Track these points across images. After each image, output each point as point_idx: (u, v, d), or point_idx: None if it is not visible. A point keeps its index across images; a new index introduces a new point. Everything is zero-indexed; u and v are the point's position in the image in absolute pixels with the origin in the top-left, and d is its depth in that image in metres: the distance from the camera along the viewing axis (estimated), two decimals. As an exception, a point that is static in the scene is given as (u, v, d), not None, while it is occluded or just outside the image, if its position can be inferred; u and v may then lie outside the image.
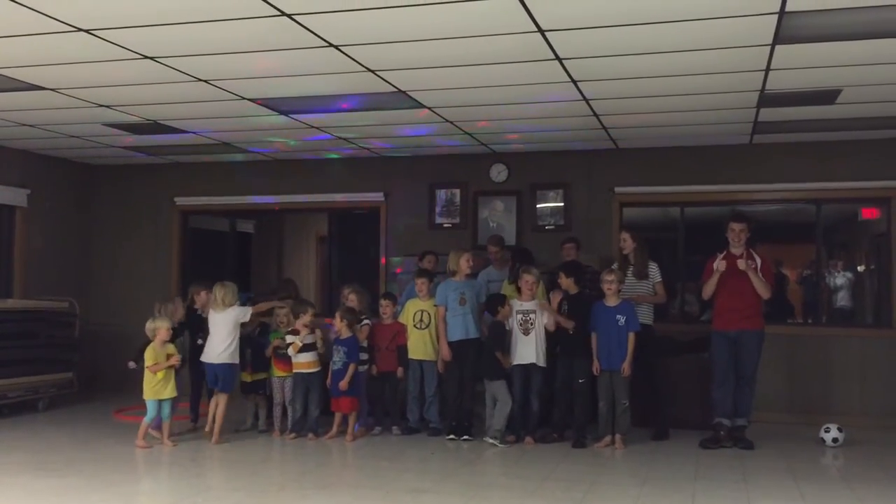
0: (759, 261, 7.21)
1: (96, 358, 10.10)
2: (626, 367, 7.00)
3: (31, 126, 8.28)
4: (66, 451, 6.85)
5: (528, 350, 7.19)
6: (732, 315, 7.15)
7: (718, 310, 7.29)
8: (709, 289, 7.30)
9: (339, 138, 8.72)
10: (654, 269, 7.58)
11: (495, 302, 7.35)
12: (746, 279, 7.11)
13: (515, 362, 7.22)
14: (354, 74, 6.19)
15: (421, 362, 7.66)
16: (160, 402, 6.99)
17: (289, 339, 7.36)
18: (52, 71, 6.22)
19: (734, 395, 7.18)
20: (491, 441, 7.10)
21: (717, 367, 7.25)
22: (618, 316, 7.08)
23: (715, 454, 6.85)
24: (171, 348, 7.08)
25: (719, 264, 7.17)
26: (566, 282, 7.30)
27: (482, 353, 7.34)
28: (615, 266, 7.72)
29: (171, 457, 6.62)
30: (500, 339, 7.26)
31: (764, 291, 7.15)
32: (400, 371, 7.64)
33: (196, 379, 7.72)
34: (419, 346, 7.65)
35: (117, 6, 4.81)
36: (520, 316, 7.26)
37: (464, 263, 7.55)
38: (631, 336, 7.04)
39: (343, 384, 7.24)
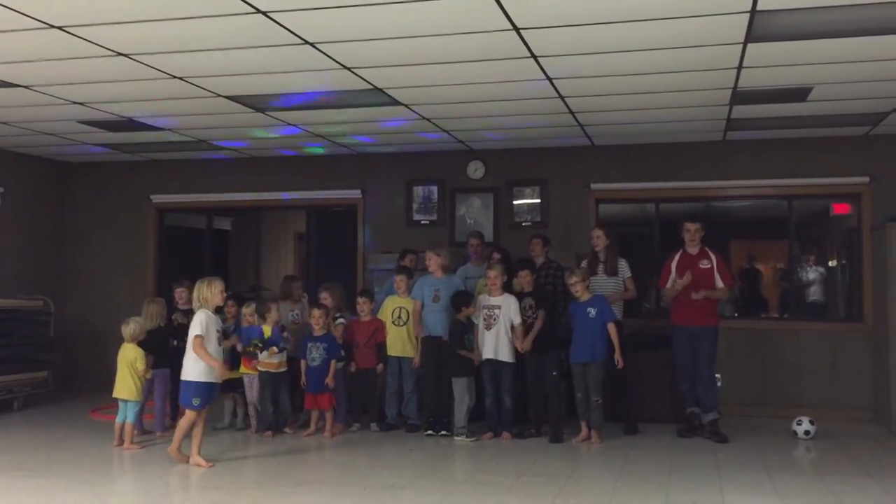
0: (714, 259, 7.37)
1: (71, 357, 10.03)
2: (618, 358, 7.07)
3: (4, 123, 8.20)
4: (41, 450, 6.80)
5: (489, 345, 7.23)
6: (689, 311, 7.34)
7: (676, 305, 7.48)
8: (670, 295, 7.52)
9: (316, 135, 8.71)
10: (623, 266, 7.68)
11: (459, 301, 7.38)
12: (704, 277, 7.31)
13: (483, 357, 7.27)
14: (330, 71, 6.20)
15: (399, 359, 7.68)
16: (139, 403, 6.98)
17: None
18: (25, 68, 6.17)
19: (695, 391, 7.31)
20: (458, 440, 7.16)
21: (679, 360, 7.44)
22: (588, 309, 7.15)
23: (689, 447, 6.92)
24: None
25: (673, 289, 7.40)
26: (528, 279, 7.35)
27: (448, 350, 7.40)
28: (583, 264, 7.79)
29: (149, 456, 6.59)
30: (457, 337, 7.33)
31: (722, 295, 7.50)
32: (380, 367, 7.65)
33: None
34: (397, 343, 7.67)
35: (91, 3, 4.78)
36: (485, 311, 7.31)
37: (429, 261, 7.59)
38: (610, 326, 7.11)
39: (329, 381, 7.26)
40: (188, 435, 6.20)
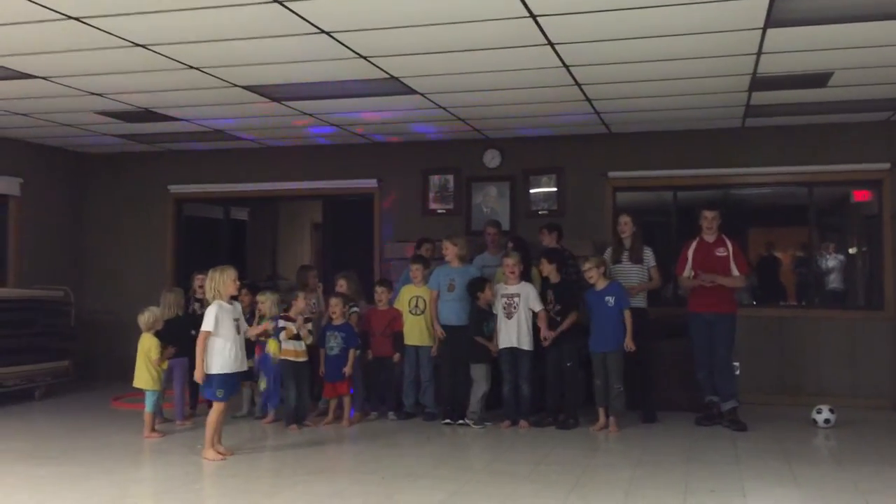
0: (730, 247, 7.34)
1: (92, 346, 10.12)
2: (628, 342, 7.06)
3: (23, 115, 8.25)
4: (63, 439, 6.87)
5: (511, 333, 7.24)
6: (706, 298, 7.31)
7: (693, 292, 7.46)
8: (686, 285, 7.51)
9: (332, 125, 8.71)
10: (648, 254, 7.64)
11: (475, 287, 7.38)
12: (720, 264, 7.28)
13: (501, 346, 7.28)
14: (346, 61, 6.19)
15: (417, 348, 7.69)
16: (157, 392, 7.02)
17: (281, 323, 7.34)
18: (43, 59, 6.20)
19: (713, 379, 7.28)
20: (466, 422, 7.22)
21: (696, 349, 7.41)
22: (606, 297, 7.14)
23: (708, 436, 6.90)
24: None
25: (693, 281, 7.39)
26: (548, 269, 7.34)
27: (465, 336, 7.41)
28: (608, 251, 7.77)
29: (169, 445, 6.65)
30: (476, 324, 7.33)
31: (738, 284, 7.43)
32: (397, 356, 7.67)
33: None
34: (414, 332, 7.68)
35: (107, -6, 4.80)
36: (503, 300, 7.30)
37: (445, 250, 7.60)
38: (626, 313, 7.10)
39: (347, 369, 7.27)
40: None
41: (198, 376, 6.04)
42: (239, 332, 6.20)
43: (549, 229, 8.02)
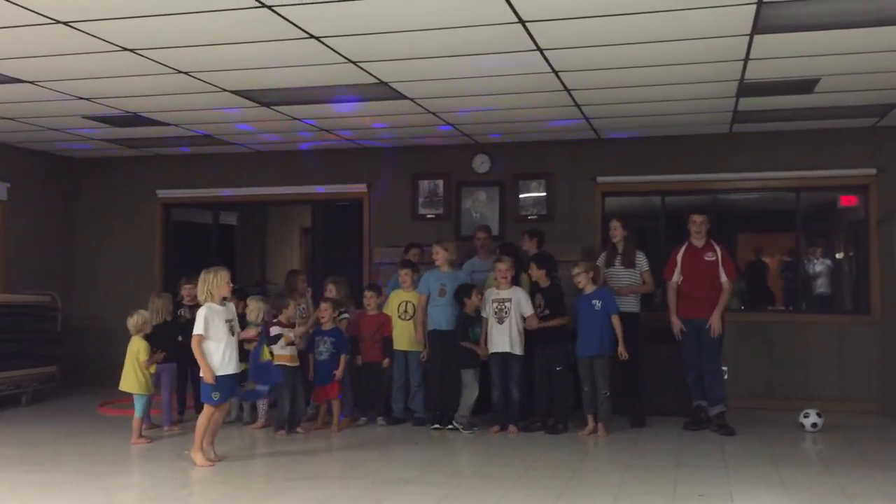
0: (719, 252, 7.37)
1: (79, 351, 10.07)
2: (621, 350, 7.08)
3: (10, 119, 8.21)
4: (50, 445, 6.83)
5: (502, 338, 7.23)
6: (694, 304, 7.34)
7: (681, 297, 7.46)
8: (672, 302, 7.46)
9: (321, 129, 8.71)
10: (641, 258, 7.67)
11: (461, 293, 7.39)
12: (709, 269, 7.30)
13: (492, 351, 7.27)
14: (336, 66, 6.19)
15: (406, 353, 7.69)
16: (145, 396, 6.98)
17: (275, 330, 7.30)
18: (30, 63, 6.18)
19: (702, 384, 7.30)
20: (455, 426, 7.21)
21: (684, 353, 7.43)
22: (593, 301, 7.15)
23: (696, 440, 6.92)
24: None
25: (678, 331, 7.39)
26: (538, 273, 7.35)
27: (453, 342, 7.41)
28: (602, 256, 7.80)
29: (157, 451, 6.62)
30: (463, 329, 7.34)
31: (728, 292, 7.38)
32: (386, 361, 7.66)
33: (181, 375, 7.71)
34: (403, 337, 7.68)
35: (96, -2, 4.79)
36: (495, 304, 7.30)
37: (436, 255, 7.60)
38: (614, 318, 7.11)
39: (338, 373, 7.25)
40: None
41: (207, 378, 5.96)
42: (233, 334, 6.13)
43: (530, 235, 8.09)
